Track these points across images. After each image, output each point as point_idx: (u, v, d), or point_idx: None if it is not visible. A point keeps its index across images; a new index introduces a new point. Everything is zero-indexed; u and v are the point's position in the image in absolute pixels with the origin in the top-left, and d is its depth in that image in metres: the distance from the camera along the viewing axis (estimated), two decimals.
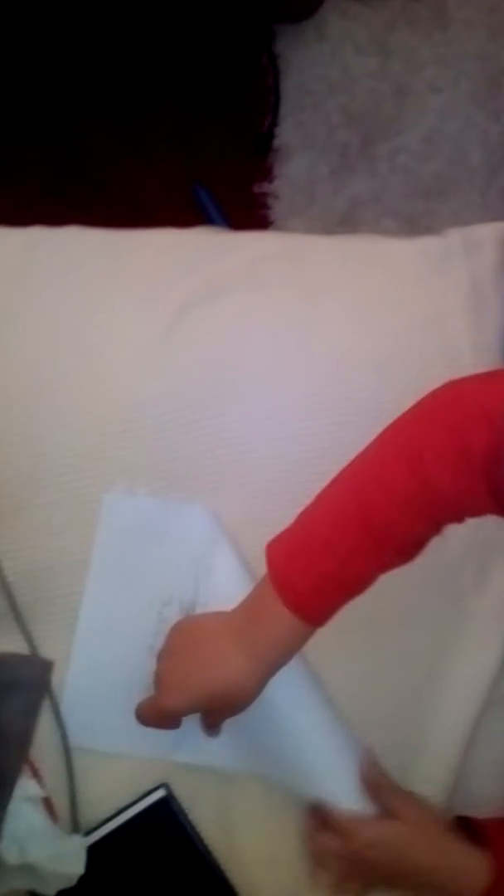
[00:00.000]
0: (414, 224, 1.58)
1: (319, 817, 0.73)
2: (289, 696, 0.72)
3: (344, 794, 0.73)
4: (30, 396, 0.79)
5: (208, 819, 0.77)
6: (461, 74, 1.63)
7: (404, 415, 0.66)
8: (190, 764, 0.76)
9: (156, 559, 0.78)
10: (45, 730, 0.76)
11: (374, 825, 0.71)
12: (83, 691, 0.77)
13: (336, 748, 0.74)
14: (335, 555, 0.64)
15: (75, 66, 1.51)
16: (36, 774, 0.75)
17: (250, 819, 0.78)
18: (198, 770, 0.76)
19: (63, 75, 1.51)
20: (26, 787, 0.74)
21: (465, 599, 0.80)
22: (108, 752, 0.77)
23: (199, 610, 0.75)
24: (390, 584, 0.70)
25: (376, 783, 0.73)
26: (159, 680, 0.68)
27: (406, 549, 0.66)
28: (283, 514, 0.78)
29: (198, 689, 0.67)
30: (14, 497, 0.77)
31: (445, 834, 0.71)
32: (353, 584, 0.66)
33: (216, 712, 0.69)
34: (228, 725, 0.71)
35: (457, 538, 0.79)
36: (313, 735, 0.73)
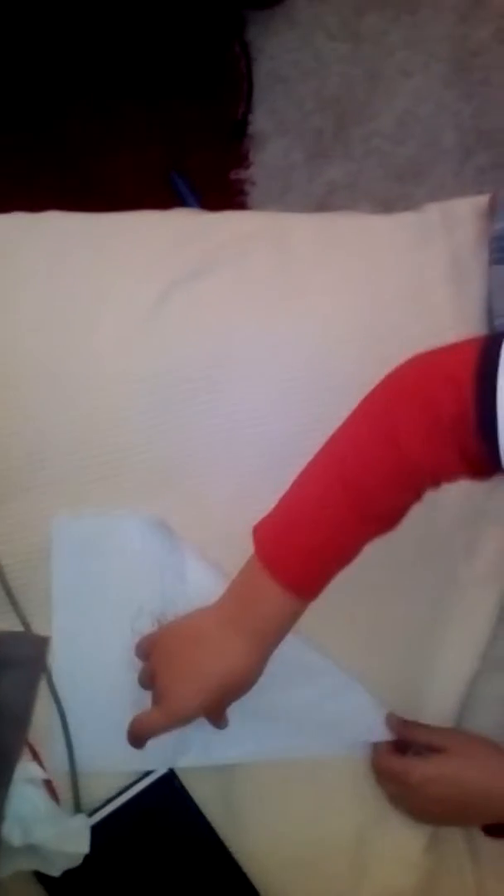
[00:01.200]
0: (390, 207, 1.55)
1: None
2: (294, 663, 0.73)
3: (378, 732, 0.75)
4: (21, 380, 0.78)
5: (211, 796, 0.77)
6: (432, 57, 1.63)
7: (376, 389, 0.67)
8: (196, 766, 0.76)
9: (116, 575, 0.77)
10: (43, 712, 0.76)
11: (424, 764, 0.73)
12: (73, 713, 0.76)
13: (356, 691, 0.76)
14: (322, 530, 0.65)
15: (50, 54, 1.50)
16: (36, 757, 0.75)
17: (253, 796, 0.78)
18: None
19: (38, 63, 1.51)
20: (27, 769, 0.74)
21: (456, 567, 0.81)
22: (105, 771, 0.76)
23: (174, 615, 0.75)
24: (386, 555, 0.70)
25: (409, 727, 0.75)
26: (163, 690, 0.68)
27: (390, 518, 0.67)
28: (270, 490, 0.78)
29: (206, 686, 0.67)
30: (7, 481, 0.77)
31: (494, 754, 0.72)
32: (341, 555, 0.67)
33: (223, 703, 0.69)
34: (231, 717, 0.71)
35: (447, 509, 0.80)
36: (330, 686, 0.75)
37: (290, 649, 0.71)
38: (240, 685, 0.67)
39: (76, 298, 0.81)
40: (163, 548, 0.77)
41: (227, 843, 0.77)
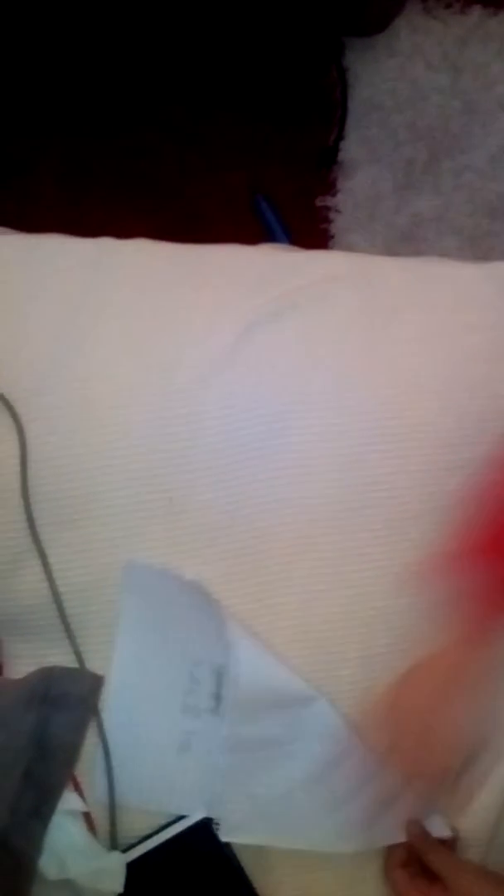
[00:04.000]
0: (476, 243, 1.56)
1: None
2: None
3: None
4: (92, 408, 0.78)
5: (245, 846, 0.76)
6: None
7: None
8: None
9: (180, 623, 0.77)
10: (87, 744, 0.76)
11: None
12: (119, 748, 0.76)
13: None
14: None
15: (148, 71, 1.52)
16: (77, 788, 0.75)
17: (287, 850, 0.77)
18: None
19: (132, 79, 1.52)
20: (68, 799, 0.73)
21: None
22: (141, 808, 0.76)
23: (235, 669, 0.74)
24: None
25: (426, 846, 0.73)
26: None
27: None
28: (333, 539, 0.78)
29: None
30: (71, 509, 0.77)
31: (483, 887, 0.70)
32: None
33: None
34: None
35: None
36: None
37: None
38: None
39: (154, 331, 0.81)
40: (218, 614, 0.76)
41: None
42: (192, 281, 0.83)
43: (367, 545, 0.78)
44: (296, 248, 0.96)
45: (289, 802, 0.74)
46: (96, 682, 0.73)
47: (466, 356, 0.83)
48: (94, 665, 0.76)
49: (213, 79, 1.53)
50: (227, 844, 0.76)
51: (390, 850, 0.75)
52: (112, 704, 0.76)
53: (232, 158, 1.53)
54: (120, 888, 0.71)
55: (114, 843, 0.76)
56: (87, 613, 0.77)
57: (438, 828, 0.75)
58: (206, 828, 0.75)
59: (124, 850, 0.75)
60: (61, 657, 0.76)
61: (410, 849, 0.74)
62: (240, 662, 0.73)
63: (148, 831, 0.76)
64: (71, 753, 0.70)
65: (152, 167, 1.53)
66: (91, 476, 0.78)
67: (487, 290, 0.87)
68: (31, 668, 0.75)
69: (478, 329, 0.84)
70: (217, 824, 0.75)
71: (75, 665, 0.75)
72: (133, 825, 0.76)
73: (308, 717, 0.74)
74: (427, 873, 0.74)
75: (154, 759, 0.75)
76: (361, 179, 1.56)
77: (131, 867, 0.74)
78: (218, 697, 0.75)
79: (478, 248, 1.55)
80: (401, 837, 0.75)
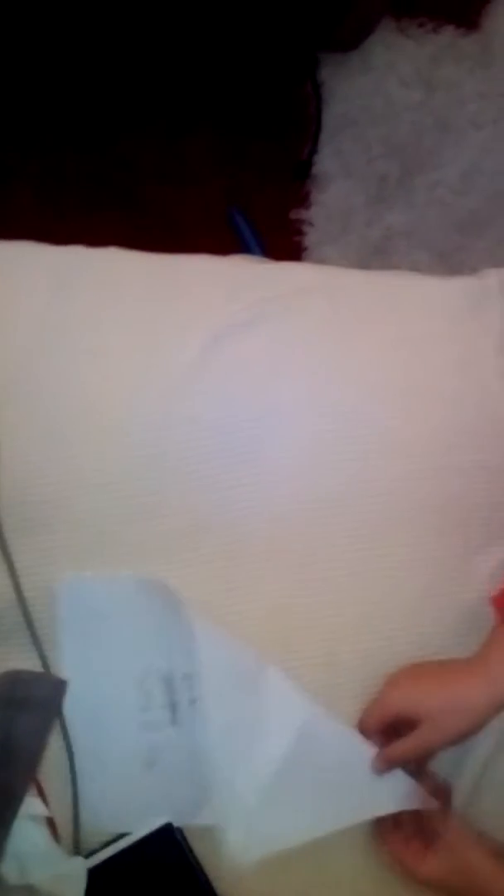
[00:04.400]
0: (447, 258, 1.58)
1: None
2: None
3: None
4: (59, 417, 0.78)
5: (211, 851, 0.76)
6: (502, 112, 1.63)
7: None
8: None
9: (122, 636, 0.77)
10: (51, 749, 0.76)
11: (424, 867, 0.73)
12: (92, 782, 0.76)
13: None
14: None
15: (123, 83, 1.52)
16: (41, 792, 0.75)
17: None
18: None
19: (110, 91, 1.53)
20: (31, 804, 0.73)
21: None
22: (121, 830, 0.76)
23: (182, 675, 0.75)
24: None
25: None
26: (391, 679, 0.74)
27: None
28: (305, 547, 0.79)
29: (426, 690, 0.72)
30: (37, 515, 0.77)
31: (480, 853, 0.72)
32: None
33: (437, 731, 0.71)
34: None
35: None
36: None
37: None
38: (458, 714, 0.71)
39: (122, 340, 0.81)
40: (167, 609, 0.76)
41: None
42: (163, 290, 0.84)
43: (338, 551, 0.79)
44: (268, 259, 0.97)
45: (276, 791, 0.73)
46: (60, 686, 0.73)
47: (434, 367, 0.84)
48: (58, 670, 0.76)
49: (190, 92, 1.54)
50: (190, 849, 0.76)
51: (381, 823, 0.76)
52: (75, 734, 0.76)
53: (208, 171, 1.54)
54: (81, 894, 0.71)
55: (77, 849, 0.76)
56: (52, 619, 0.77)
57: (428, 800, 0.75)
58: (168, 833, 0.76)
59: (87, 856, 0.75)
60: (26, 662, 0.76)
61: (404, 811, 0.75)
62: (200, 647, 0.73)
63: (111, 837, 0.76)
64: (34, 757, 0.70)
65: (129, 179, 1.54)
66: (59, 482, 0.78)
67: (455, 303, 0.88)
68: None
69: (445, 341, 0.86)
70: (180, 831, 0.76)
71: (40, 670, 0.75)
72: (96, 831, 0.76)
73: (271, 689, 0.74)
74: (421, 835, 0.74)
75: (120, 782, 0.75)
76: (335, 193, 1.58)
77: (94, 873, 0.73)
78: (173, 707, 0.76)
79: (448, 262, 1.57)
80: (399, 806, 0.75)
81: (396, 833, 0.75)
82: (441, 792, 0.76)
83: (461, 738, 0.72)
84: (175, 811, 0.75)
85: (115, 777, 0.76)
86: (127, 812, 0.75)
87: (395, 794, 0.74)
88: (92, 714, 0.76)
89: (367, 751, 0.74)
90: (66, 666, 0.76)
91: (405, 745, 0.72)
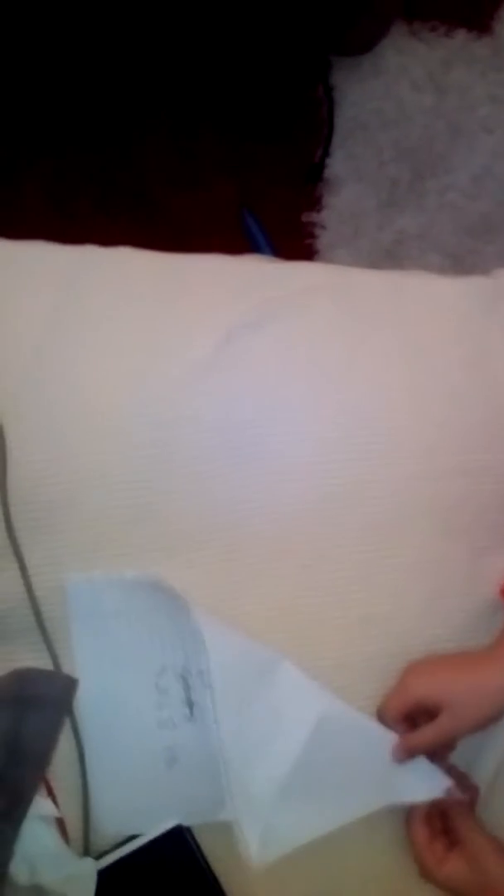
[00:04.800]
0: (459, 261, 1.58)
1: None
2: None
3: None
4: (70, 414, 0.78)
5: (222, 854, 0.76)
6: None
7: None
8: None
9: (135, 635, 0.76)
10: (61, 748, 0.75)
11: (441, 868, 0.73)
12: (108, 783, 0.76)
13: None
14: None
15: (135, 84, 1.53)
16: (51, 793, 0.75)
17: None
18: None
19: (122, 92, 1.53)
20: (40, 805, 0.73)
21: None
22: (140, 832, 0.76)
23: (197, 671, 0.75)
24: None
25: (454, 809, 0.74)
26: (410, 667, 0.75)
27: None
28: (308, 547, 0.78)
29: (446, 677, 0.72)
30: (45, 514, 0.77)
31: (499, 863, 0.71)
32: None
33: (458, 718, 0.71)
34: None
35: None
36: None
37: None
38: (475, 703, 0.71)
39: (133, 338, 0.81)
40: (178, 607, 0.75)
41: None
42: (174, 289, 0.84)
43: (344, 552, 0.79)
44: (279, 260, 0.97)
45: (294, 787, 0.73)
46: (70, 684, 0.73)
47: (443, 368, 0.84)
48: (68, 669, 0.76)
49: (202, 95, 1.54)
50: (201, 851, 0.76)
51: (413, 812, 0.76)
52: (89, 740, 0.76)
53: (219, 174, 1.55)
54: (91, 895, 0.71)
55: (87, 850, 0.76)
56: (62, 618, 0.77)
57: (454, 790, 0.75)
58: (179, 834, 0.75)
59: (97, 857, 0.75)
60: (36, 661, 0.76)
61: (437, 806, 0.75)
62: (209, 649, 0.73)
63: (122, 838, 0.76)
64: (43, 756, 0.70)
65: (139, 181, 1.54)
66: (69, 481, 0.78)
67: (466, 303, 0.88)
68: (5, 671, 0.75)
69: (455, 341, 0.85)
70: (191, 833, 0.75)
71: (50, 668, 0.75)
72: (107, 831, 0.76)
73: (285, 681, 0.74)
74: (448, 835, 0.74)
75: (141, 782, 0.75)
76: (346, 196, 1.57)
77: (104, 874, 0.73)
78: (190, 703, 0.75)
79: (460, 266, 1.57)
80: (424, 796, 0.74)
81: (424, 828, 0.74)
82: (468, 788, 0.75)
83: (483, 725, 0.72)
84: (196, 808, 0.75)
85: (136, 777, 0.76)
86: (148, 812, 0.75)
87: (419, 782, 0.74)
88: (108, 714, 0.76)
89: (388, 738, 0.73)
90: (80, 666, 0.76)
91: (425, 734, 0.72)
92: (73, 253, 0.85)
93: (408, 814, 0.76)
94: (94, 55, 1.50)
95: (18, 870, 0.69)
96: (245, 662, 0.74)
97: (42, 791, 0.74)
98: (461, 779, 0.75)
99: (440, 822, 0.75)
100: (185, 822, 0.75)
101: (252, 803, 0.74)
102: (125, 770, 0.76)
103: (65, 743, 0.75)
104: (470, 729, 0.72)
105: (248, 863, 0.74)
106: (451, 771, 0.75)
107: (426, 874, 0.74)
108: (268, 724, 0.74)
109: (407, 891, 0.76)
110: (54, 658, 0.76)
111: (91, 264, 0.84)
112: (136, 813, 0.76)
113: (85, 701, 0.76)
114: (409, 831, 0.75)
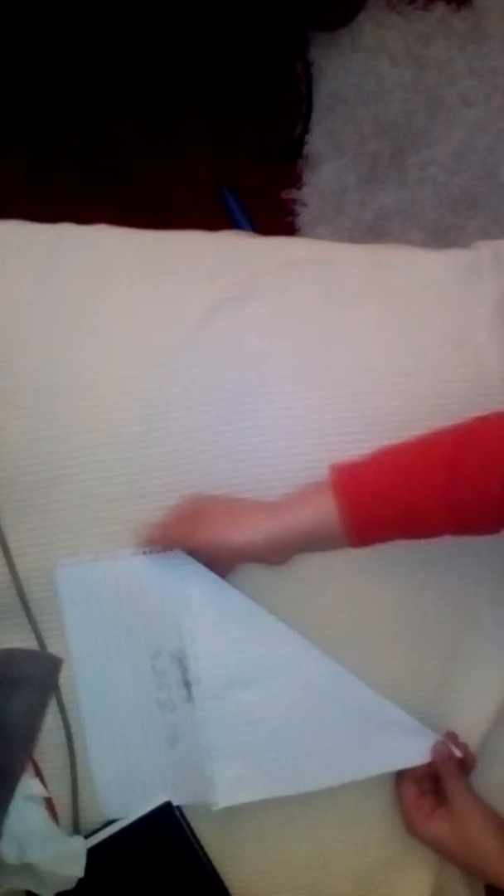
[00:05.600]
0: (441, 237, 1.57)
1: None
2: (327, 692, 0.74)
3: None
4: (49, 396, 0.78)
5: (211, 829, 0.76)
6: (495, 89, 1.62)
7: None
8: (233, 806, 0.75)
9: (129, 617, 0.76)
10: (49, 728, 0.75)
11: (426, 825, 0.74)
12: (109, 768, 0.76)
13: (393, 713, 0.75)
14: (406, 488, 0.66)
15: (112, 63, 1.51)
16: (39, 773, 0.75)
17: (253, 832, 0.77)
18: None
19: (100, 72, 1.51)
20: (29, 785, 0.73)
21: (480, 611, 0.79)
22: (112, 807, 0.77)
23: (192, 652, 0.74)
24: (406, 594, 0.75)
25: (446, 769, 0.75)
26: (177, 508, 0.74)
27: (481, 526, 0.68)
28: None
29: (204, 528, 0.71)
30: (30, 495, 0.76)
31: (484, 828, 0.72)
32: (412, 522, 0.67)
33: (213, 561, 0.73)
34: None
35: (475, 550, 0.79)
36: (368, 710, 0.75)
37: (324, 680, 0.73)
38: (231, 551, 0.71)
39: (112, 316, 0.80)
40: (170, 583, 0.75)
41: (224, 878, 0.76)
42: (154, 266, 0.83)
43: None
44: (259, 236, 0.96)
45: (277, 742, 0.74)
46: (55, 664, 0.73)
47: (425, 341, 0.83)
48: (54, 649, 0.76)
49: (179, 72, 1.53)
50: (190, 827, 0.76)
51: (402, 773, 0.77)
52: (88, 725, 0.76)
53: (197, 151, 1.53)
54: (81, 873, 0.71)
55: (76, 828, 0.76)
56: (47, 598, 0.76)
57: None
58: (168, 811, 0.75)
59: (87, 836, 0.75)
60: (21, 642, 0.75)
61: (429, 767, 0.75)
62: (193, 595, 0.74)
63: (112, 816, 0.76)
64: (30, 736, 0.70)
65: (118, 160, 1.53)
66: (50, 461, 0.77)
67: (446, 276, 0.87)
68: None
69: (436, 314, 0.85)
70: (180, 809, 0.76)
71: (35, 648, 0.75)
72: (95, 810, 0.76)
73: (282, 648, 0.74)
74: (437, 794, 0.75)
75: (143, 762, 0.76)
76: (327, 173, 1.56)
77: (93, 852, 0.73)
78: (187, 684, 0.75)
79: (442, 241, 1.56)
80: (412, 762, 0.75)
81: (413, 785, 0.76)
82: (460, 746, 0.76)
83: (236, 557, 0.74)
84: (190, 789, 0.75)
85: (138, 756, 0.76)
86: (145, 793, 0.76)
87: (406, 747, 0.75)
88: (108, 696, 0.76)
89: (384, 705, 0.74)
90: (74, 649, 0.76)
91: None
92: (53, 231, 0.84)
93: (398, 773, 0.77)
94: (71, 34, 1.48)
95: (8, 849, 0.69)
96: (232, 614, 0.74)
97: (30, 771, 0.74)
98: (454, 738, 0.76)
99: (430, 784, 0.76)
100: (178, 802, 0.75)
101: (233, 748, 0.74)
102: (129, 749, 0.76)
103: (52, 723, 0.75)
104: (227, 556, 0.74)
105: (207, 804, 0.74)
106: (447, 734, 0.76)
107: (411, 829, 0.76)
108: (257, 680, 0.74)
109: (402, 854, 0.78)
110: (39, 639, 0.75)
111: (71, 242, 0.83)
112: (134, 793, 0.76)
113: (82, 683, 0.76)
114: (398, 788, 0.77)
